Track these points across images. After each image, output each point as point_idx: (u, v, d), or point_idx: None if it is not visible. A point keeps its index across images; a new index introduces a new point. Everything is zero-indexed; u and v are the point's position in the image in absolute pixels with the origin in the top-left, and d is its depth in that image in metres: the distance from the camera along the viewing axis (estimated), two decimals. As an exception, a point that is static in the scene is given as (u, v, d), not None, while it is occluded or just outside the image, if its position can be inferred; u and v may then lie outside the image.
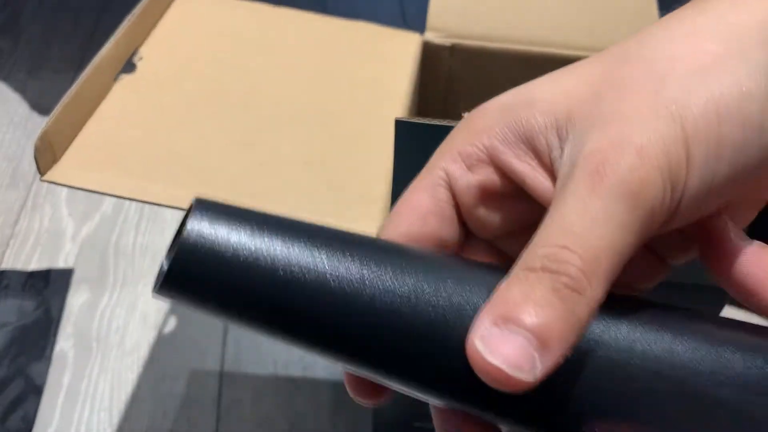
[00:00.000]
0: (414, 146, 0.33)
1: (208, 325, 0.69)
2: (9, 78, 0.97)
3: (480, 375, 0.18)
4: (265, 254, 0.20)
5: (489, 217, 0.23)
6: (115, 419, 0.62)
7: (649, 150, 0.19)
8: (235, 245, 0.19)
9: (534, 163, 0.22)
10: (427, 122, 0.33)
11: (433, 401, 0.21)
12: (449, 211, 0.23)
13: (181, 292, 0.20)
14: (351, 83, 0.54)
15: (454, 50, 0.55)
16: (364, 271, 0.20)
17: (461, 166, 0.23)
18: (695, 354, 0.20)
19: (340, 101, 0.53)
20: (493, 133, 0.22)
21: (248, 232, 0.20)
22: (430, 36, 0.55)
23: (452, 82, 0.58)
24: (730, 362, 0.19)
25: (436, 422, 0.22)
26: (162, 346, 0.68)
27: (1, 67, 0.98)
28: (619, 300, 0.21)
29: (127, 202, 0.80)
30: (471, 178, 0.23)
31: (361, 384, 0.23)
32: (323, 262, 0.20)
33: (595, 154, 0.19)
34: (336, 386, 0.65)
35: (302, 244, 0.20)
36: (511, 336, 0.18)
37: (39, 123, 0.90)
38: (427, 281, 0.20)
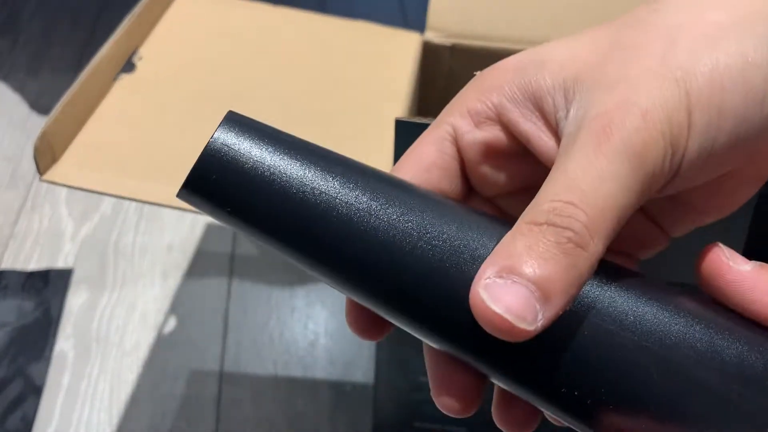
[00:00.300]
0: (414, 146, 0.33)
1: (208, 325, 0.69)
2: (8, 78, 0.97)
3: (482, 323, 0.18)
4: (282, 172, 0.21)
5: (492, 174, 0.24)
6: (115, 419, 0.62)
7: (654, 114, 0.19)
8: (256, 159, 0.21)
9: (540, 123, 0.22)
10: (427, 122, 0.33)
11: (427, 341, 0.22)
12: (453, 165, 0.24)
13: (200, 196, 0.21)
14: (351, 83, 0.54)
15: (454, 50, 0.55)
16: (372, 204, 0.21)
17: (469, 122, 0.23)
18: (687, 335, 0.20)
19: (340, 101, 0.53)
20: (503, 91, 0.23)
21: (271, 149, 0.21)
22: (430, 36, 0.55)
23: (452, 82, 0.58)
24: (722, 349, 0.19)
25: (428, 365, 0.23)
26: (162, 346, 0.68)
27: (0, 67, 0.98)
28: (619, 270, 0.21)
29: (127, 202, 0.80)
30: (477, 135, 0.23)
31: (360, 319, 0.23)
32: (335, 189, 0.21)
33: (602, 115, 0.20)
34: (336, 386, 0.65)
35: (318, 168, 0.21)
36: (515, 286, 0.18)
37: (38, 123, 0.90)
38: (431, 222, 0.21)
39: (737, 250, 0.21)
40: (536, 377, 0.20)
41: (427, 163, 0.23)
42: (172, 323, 0.69)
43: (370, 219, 0.21)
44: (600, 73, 0.21)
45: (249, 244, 0.77)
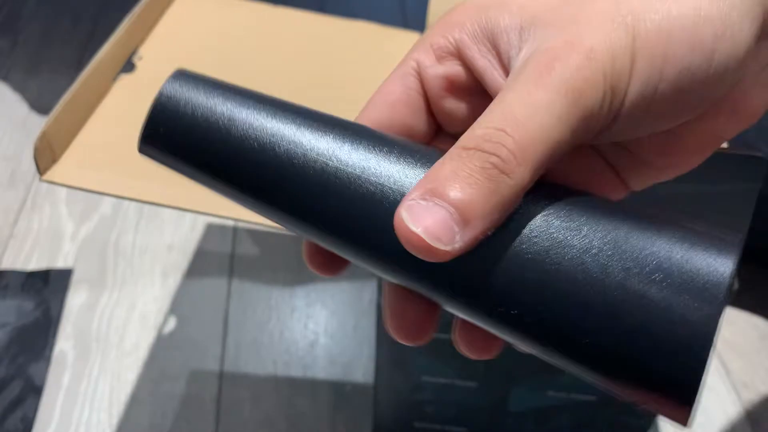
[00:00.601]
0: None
1: (208, 325, 0.69)
2: (8, 78, 0.97)
3: (402, 242, 0.19)
4: (221, 115, 0.22)
5: (455, 109, 0.24)
6: (115, 420, 0.62)
7: (597, 53, 0.20)
8: (195, 106, 0.22)
9: (494, 61, 0.23)
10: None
11: (374, 271, 0.23)
12: (418, 100, 0.24)
13: (155, 148, 0.23)
14: (351, 83, 0.54)
15: (454, 50, 0.55)
16: (321, 145, 0.22)
17: (431, 56, 0.24)
18: (617, 263, 0.20)
19: (340, 101, 0.53)
20: (464, 28, 0.23)
21: (221, 98, 0.23)
22: (430, 36, 0.55)
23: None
24: (654, 256, 0.19)
25: (384, 296, 0.23)
26: (162, 346, 0.68)
27: (0, 67, 0.98)
28: (556, 195, 0.21)
29: (126, 202, 0.80)
30: (439, 69, 0.24)
31: (316, 255, 0.24)
32: (276, 129, 0.22)
33: (548, 51, 0.20)
34: (336, 386, 0.65)
35: (258, 110, 0.23)
36: (435, 208, 0.19)
37: (38, 123, 0.90)
38: (374, 158, 0.22)
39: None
40: (471, 298, 0.21)
41: (392, 100, 0.24)
42: (172, 323, 0.69)
43: (313, 156, 0.22)
44: (555, 14, 0.21)
45: (249, 244, 0.77)
